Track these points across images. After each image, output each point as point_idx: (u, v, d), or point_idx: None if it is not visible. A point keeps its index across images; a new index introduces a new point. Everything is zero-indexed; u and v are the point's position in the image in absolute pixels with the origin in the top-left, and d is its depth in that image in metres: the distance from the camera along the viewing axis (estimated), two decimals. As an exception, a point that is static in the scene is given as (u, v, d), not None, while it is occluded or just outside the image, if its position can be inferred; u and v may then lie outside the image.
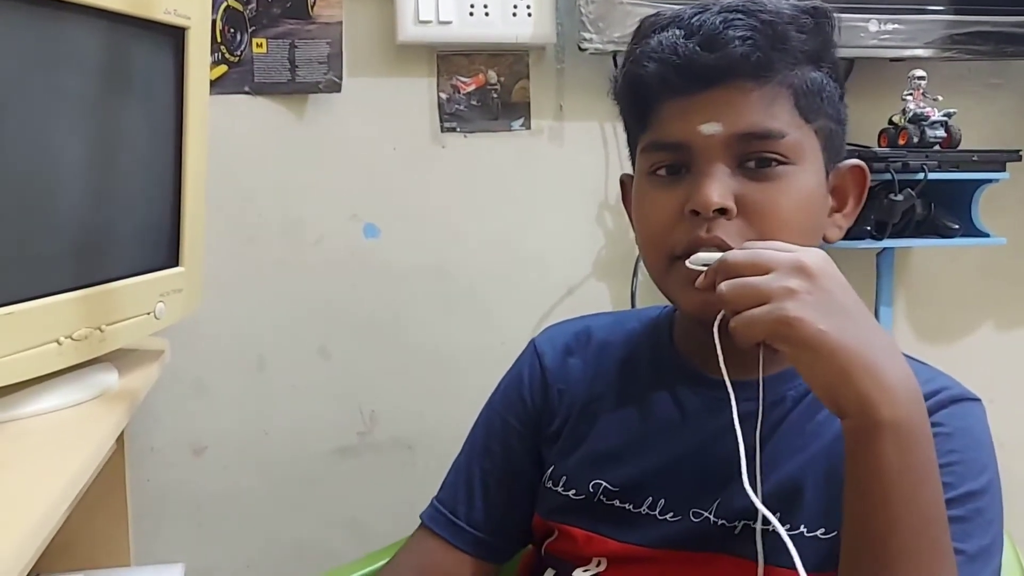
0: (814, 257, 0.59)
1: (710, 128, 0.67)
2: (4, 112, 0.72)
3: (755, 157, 0.67)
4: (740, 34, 0.66)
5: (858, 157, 0.75)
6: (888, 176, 1.31)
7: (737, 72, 0.67)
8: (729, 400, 0.62)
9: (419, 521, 0.86)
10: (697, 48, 0.67)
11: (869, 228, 1.35)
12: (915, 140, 1.35)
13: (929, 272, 1.58)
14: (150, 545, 1.34)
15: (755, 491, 0.62)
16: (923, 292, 1.58)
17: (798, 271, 0.57)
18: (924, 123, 1.36)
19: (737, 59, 0.66)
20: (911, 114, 1.36)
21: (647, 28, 0.72)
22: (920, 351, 0.69)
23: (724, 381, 0.64)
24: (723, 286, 0.59)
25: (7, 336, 0.72)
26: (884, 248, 1.46)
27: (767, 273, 0.58)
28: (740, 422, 0.62)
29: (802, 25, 0.69)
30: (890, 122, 1.40)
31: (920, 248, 1.54)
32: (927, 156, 1.34)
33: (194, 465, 1.38)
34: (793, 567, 0.67)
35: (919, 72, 1.37)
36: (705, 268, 0.63)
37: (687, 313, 0.72)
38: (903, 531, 0.58)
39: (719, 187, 0.66)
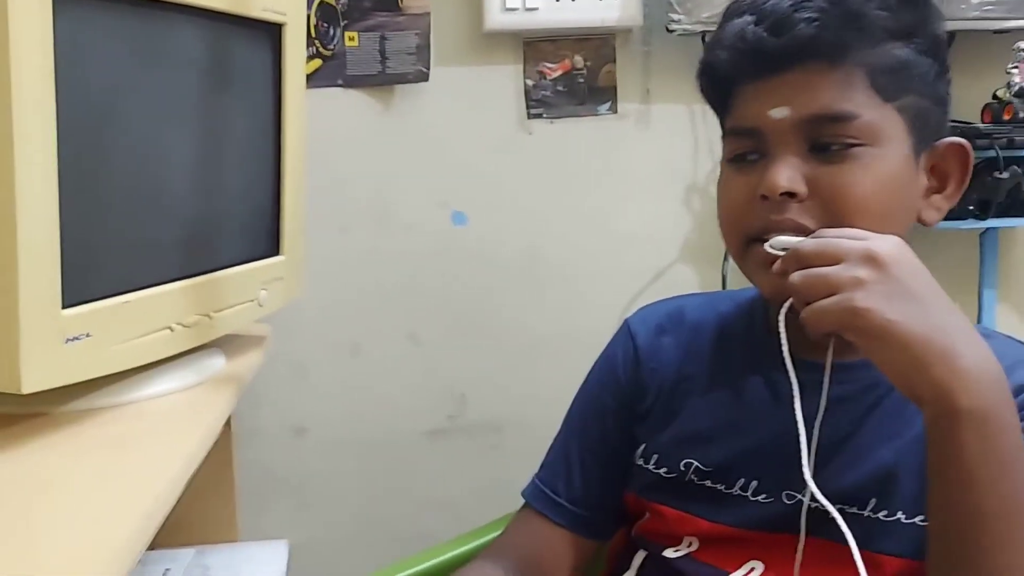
0: (886, 245, 0.58)
1: (778, 112, 0.67)
2: (117, 109, 0.76)
3: (827, 140, 0.67)
4: (808, 16, 0.66)
5: (960, 134, 0.72)
6: (992, 153, 1.26)
7: (807, 55, 0.67)
8: (802, 384, 0.65)
9: (508, 501, 0.88)
10: (764, 33, 0.67)
11: (972, 208, 1.31)
12: (1021, 115, 1.30)
13: (1035, 253, 1.51)
14: (256, 522, 1.40)
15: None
16: (1029, 274, 1.52)
17: (867, 260, 0.57)
18: (1031, 97, 1.30)
19: (805, 42, 0.66)
20: (1016, 88, 1.31)
21: (727, 14, 0.72)
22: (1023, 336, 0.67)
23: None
24: (794, 276, 0.60)
25: (125, 323, 0.76)
26: (987, 228, 1.41)
27: (837, 263, 0.58)
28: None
29: (885, 1, 0.67)
30: (994, 97, 1.34)
31: (1026, 228, 1.48)
32: (1034, 131, 1.28)
33: (295, 446, 1.44)
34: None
35: (1026, 44, 1.31)
36: (784, 252, 0.63)
37: (765, 295, 0.73)
38: (988, 520, 0.56)
39: (787, 171, 0.66)
